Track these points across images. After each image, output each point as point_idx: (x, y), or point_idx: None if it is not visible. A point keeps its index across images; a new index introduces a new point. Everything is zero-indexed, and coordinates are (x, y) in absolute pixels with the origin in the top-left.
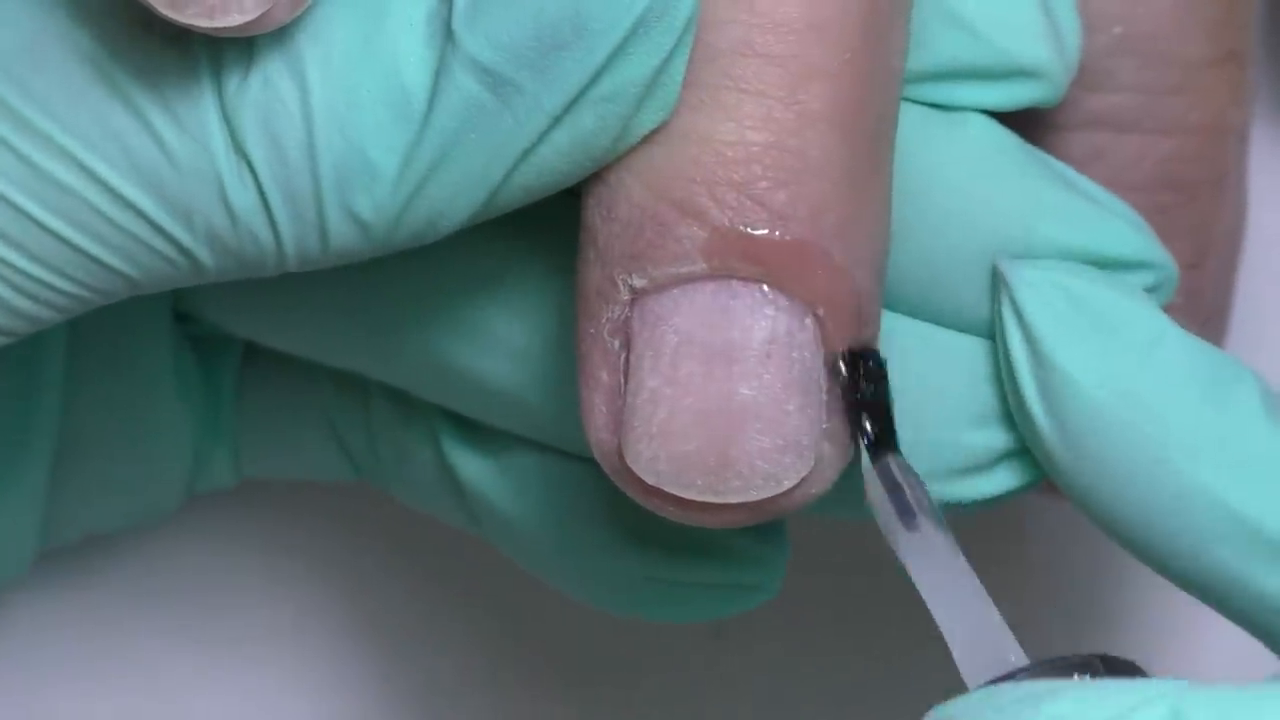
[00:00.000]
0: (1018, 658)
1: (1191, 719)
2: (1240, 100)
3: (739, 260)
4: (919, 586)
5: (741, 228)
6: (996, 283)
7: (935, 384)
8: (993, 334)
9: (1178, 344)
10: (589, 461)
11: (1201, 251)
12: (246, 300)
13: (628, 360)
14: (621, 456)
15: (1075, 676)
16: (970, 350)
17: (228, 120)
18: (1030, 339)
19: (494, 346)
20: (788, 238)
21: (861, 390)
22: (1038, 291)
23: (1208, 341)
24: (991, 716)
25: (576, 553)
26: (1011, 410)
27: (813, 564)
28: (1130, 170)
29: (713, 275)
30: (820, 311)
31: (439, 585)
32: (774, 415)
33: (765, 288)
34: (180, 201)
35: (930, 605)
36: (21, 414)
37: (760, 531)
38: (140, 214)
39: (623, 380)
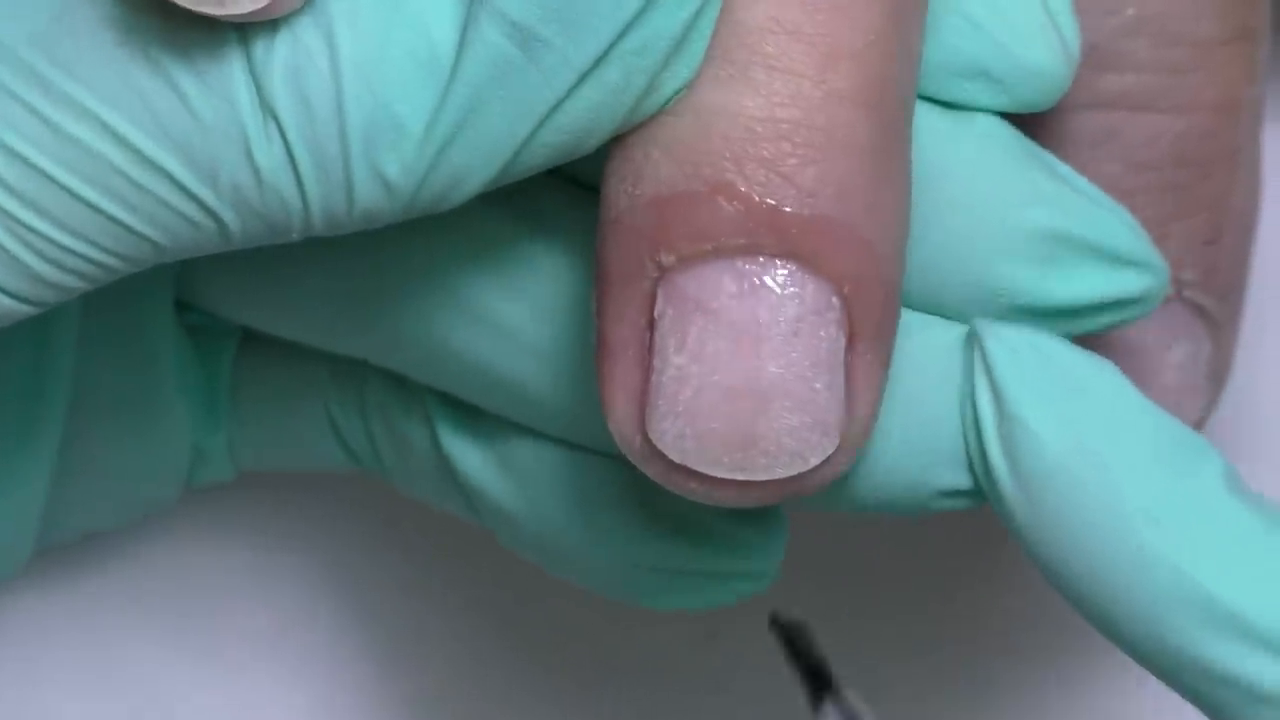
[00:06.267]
0: None
1: None
2: (1254, 76)
3: (768, 237)
4: None
5: (770, 204)
6: (970, 340)
7: (929, 370)
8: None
9: (1142, 411)
10: (588, 450)
11: (1217, 227)
12: (246, 282)
13: (652, 338)
14: (644, 436)
15: None
16: (956, 342)
17: (255, 76)
18: (997, 392)
19: (493, 329)
20: (816, 215)
21: (803, 649)
22: (1008, 347)
23: (1226, 317)
24: None
25: (576, 542)
26: (975, 467)
27: (804, 565)
28: (1145, 149)
29: (742, 252)
30: (846, 290)
31: (433, 587)
32: (801, 393)
33: (793, 265)
34: (205, 160)
35: None
36: (29, 408)
37: (759, 519)
38: (165, 174)
39: (647, 358)
